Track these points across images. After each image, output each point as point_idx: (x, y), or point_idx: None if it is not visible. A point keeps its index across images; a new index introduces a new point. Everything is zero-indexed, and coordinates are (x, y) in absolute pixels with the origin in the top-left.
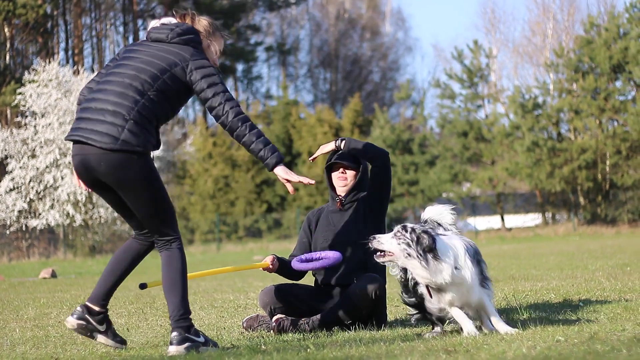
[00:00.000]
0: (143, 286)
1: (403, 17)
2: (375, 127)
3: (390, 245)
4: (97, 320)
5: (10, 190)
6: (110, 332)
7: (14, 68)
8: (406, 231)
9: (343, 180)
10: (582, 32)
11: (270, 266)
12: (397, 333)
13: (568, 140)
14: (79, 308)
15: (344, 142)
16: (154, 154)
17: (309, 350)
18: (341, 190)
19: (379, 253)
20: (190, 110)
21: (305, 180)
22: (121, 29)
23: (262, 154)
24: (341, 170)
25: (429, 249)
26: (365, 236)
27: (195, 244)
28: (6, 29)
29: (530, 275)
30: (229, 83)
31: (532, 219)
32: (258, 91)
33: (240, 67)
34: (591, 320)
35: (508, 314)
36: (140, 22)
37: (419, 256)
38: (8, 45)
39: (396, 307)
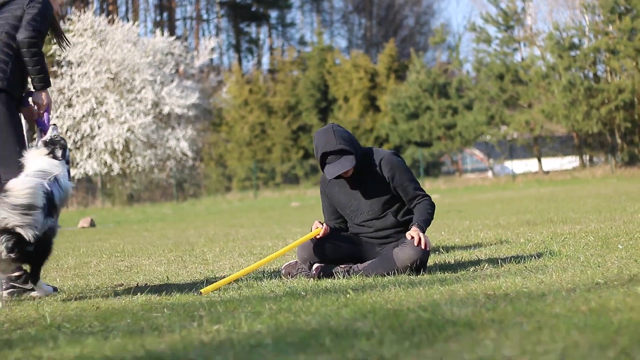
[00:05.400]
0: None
1: None
2: (411, 72)
3: None
4: (21, 282)
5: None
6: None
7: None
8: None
9: (347, 174)
10: None
11: (321, 234)
12: (436, 277)
13: (605, 81)
14: (3, 280)
15: (420, 228)
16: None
17: (348, 295)
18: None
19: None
20: (225, 57)
21: None
22: None
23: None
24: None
25: None
26: (390, 199)
27: (232, 192)
28: None
29: (568, 218)
30: (263, 30)
31: (569, 161)
32: (292, 38)
33: (274, 13)
34: (630, 263)
35: (547, 257)
36: None
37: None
38: None
39: (434, 251)
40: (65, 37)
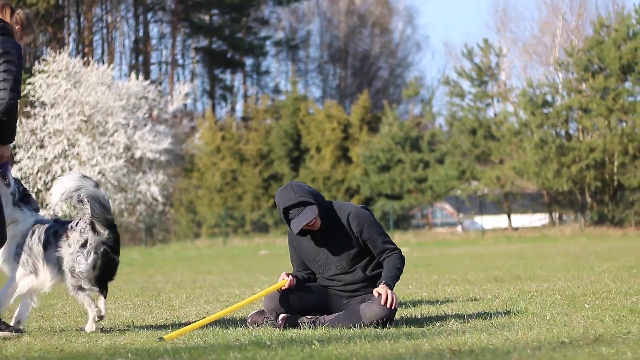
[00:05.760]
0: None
1: (413, 14)
2: (384, 124)
3: None
4: None
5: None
6: (3, 324)
7: (24, 58)
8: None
9: (313, 228)
10: (591, 33)
11: (286, 286)
12: (402, 331)
13: (576, 139)
14: None
15: (388, 286)
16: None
17: (313, 346)
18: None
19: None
20: (199, 103)
21: None
22: (132, 21)
23: None
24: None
25: None
26: (359, 253)
27: (202, 238)
28: None
29: (536, 276)
30: (238, 77)
31: (539, 219)
32: (267, 86)
33: (249, 61)
34: (596, 323)
35: (513, 314)
36: (150, 14)
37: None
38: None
39: (401, 304)
40: None
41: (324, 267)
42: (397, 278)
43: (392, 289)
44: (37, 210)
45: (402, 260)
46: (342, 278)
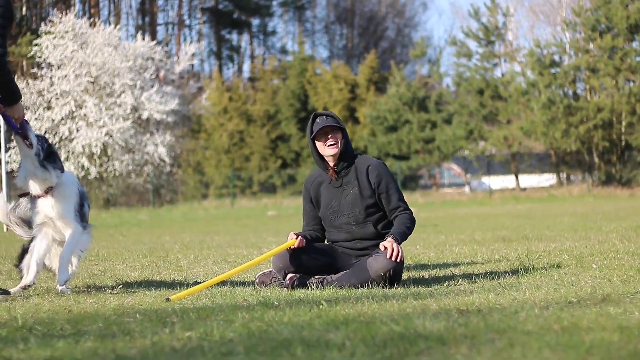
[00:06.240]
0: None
1: None
2: (391, 85)
3: None
4: None
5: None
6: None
7: (30, 19)
8: (46, 142)
9: (334, 148)
10: None
11: (295, 245)
12: (409, 291)
13: (584, 99)
14: None
15: (395, 240)
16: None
17: (321, 306)
18: (331, 159)
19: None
20: (206, 64)
21: None
22: None
23: None
24: (329, 136)
25: None
26: (373, 204)
27: (209, 199)
28: None
29: (543, 236)
30: (245, 37)
31: (546, 179)
32: (274, 46)
33: (255, 21)
34: (604, 282)
35: (521, 274)
36: None
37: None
38: None
39: (409, 265)
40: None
41: (336, 214)
42: (405, 235)
43: (399, 244)
44: (61, 169)
45: (412, 220)
46: (352, 230)
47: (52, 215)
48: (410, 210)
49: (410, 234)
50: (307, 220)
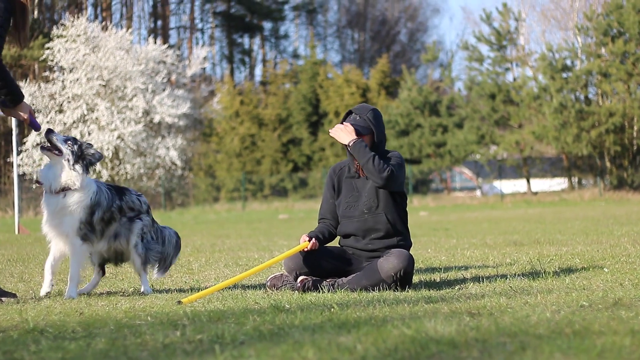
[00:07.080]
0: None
1: None
2: (402, 89)
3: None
4: None
5: (37, 145)
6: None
7: (42, 22)
8: (75, 143)
9: None
10: None
11: (308, 248)
12: (421, 295)
13: (596, 104)
14: None
15: (352, 143)
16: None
17: (332, 310)
18: None
19: (48, 146)
20: (218, 68)
21: None
22: None
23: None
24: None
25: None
26: (390, 204)
27: (220, 202)
28: None
29: (555, 240)
30: (257, 41)
31: (558, 183)
32: (285, 50)
33: (267, 25)
34: (616, 286)
35: (532, 278)
36: None
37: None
38: None
39: (420, 268)
40: (25, 33)
41: (354, 204)
42: (365, 155)
43: (355, 145)
44: (87, 171)
45: (387, 169)
46: (365, 219)
47: (55, 219)
48: (393, 172)
49: (374, 167)
50: (323, 211)
